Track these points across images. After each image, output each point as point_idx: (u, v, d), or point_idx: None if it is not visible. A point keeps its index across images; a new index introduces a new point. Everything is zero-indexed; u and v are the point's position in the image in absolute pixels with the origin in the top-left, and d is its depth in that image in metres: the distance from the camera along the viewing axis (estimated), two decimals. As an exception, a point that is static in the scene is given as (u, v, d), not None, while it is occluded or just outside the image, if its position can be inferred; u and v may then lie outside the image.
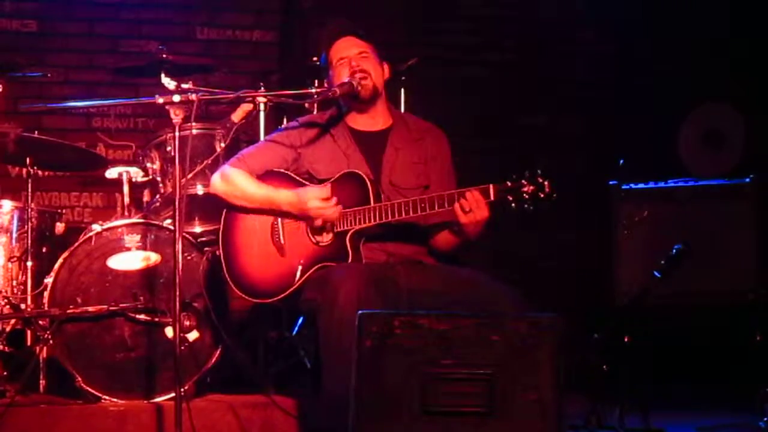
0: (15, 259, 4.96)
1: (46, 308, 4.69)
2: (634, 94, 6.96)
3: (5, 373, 4.74)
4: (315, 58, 4.94)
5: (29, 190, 4.96)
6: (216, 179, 4.48)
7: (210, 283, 4.67)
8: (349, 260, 4.22)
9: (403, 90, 5.71)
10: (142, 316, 4.71)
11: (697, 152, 6.41)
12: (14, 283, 4.95)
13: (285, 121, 5.15)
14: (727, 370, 5.66)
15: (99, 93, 6.46)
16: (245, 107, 5.19)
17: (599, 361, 4.99)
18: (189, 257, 4.74)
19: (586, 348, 5.02)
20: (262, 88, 5.28)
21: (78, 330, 4.69)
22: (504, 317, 3.61)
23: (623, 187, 5.95)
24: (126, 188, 5.19)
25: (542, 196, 3.99)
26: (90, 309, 4.68)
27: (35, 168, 5.02)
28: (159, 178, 5.18)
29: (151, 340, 4.71)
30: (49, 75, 5.58)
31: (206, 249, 4.78)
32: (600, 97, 7.07)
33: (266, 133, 5.28)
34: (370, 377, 3.49)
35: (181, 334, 4.36)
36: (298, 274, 4.27)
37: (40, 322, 4.73)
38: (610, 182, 5.95)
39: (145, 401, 4.63)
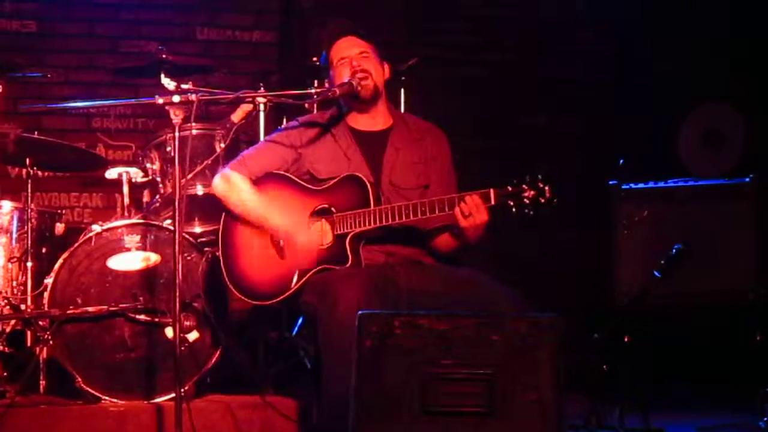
0: (15, 259, 4.96)
1: (46, 309, 4.69)
2: (634, 94, 6.96)
3: (5, 374, 4.74)
4: (315, 59, 4.94)
5: (29, 190, 4.96)
6: (218, 182, 4.47)
7: (210, 284, 4.67)
8: (349, 263, 4.21)
9: (403, 90, 5.71)
10: (142, 317, 4.71)
11: (697, 152, 6.41)
12: (14, 283, 4.95)
13: (285, 121, 5.15)
14: (727, 370, 5.65)
15: (99, 93, 6.46)
16: (245, 107, 5.19)
17: (599, 361, 4.99)
18: (189, 258, 4.74)
19: (586, 348, 5.02)
20: (262, 89, 5.28)
21: (78, 330, 4.69)
22: (504, 317, 3.61)
23: (623, 187, 5.95)
24: (126, 189, 5.18)
25: (543, 201, 3.99)
26: (90, 309, 4.68)
27: (35, 168, 5.02)
28: (159, 179, 5.18)
29: (151, 340, 4.71)
30: (48, 75, 5.59)
31: (206, 249, 4.78)
32: (600, 97, 7.08)
33: (266, 133, 5.28)
34: (370, 377, 3.49)
35: (181, 335, 4.36)
36: (295, 277, 4.26)
37: (40, 322, 4.73)
38: (610, 182, 5.95)
39: (145, 402, 4.63)
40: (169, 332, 4.65)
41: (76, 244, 4.76)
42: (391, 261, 4.27)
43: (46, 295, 4.71)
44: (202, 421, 4.37)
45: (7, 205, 5.02)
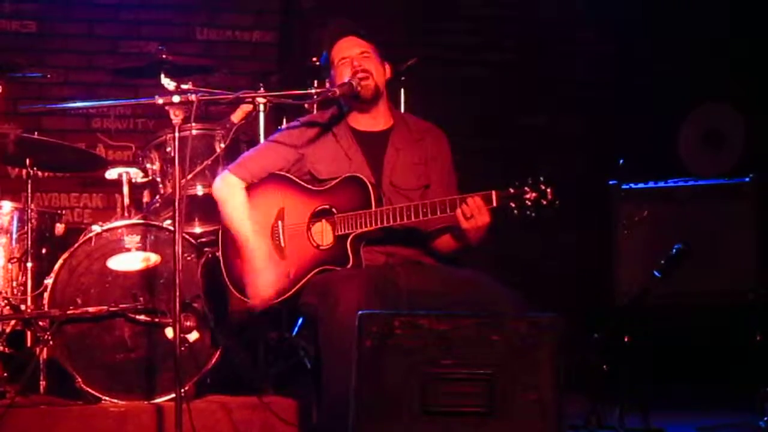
0: (15, 260, 4.97)
1: (46, 309, 4.69)
2: (634, 94, 6.96)
3: (5, 374, 4.74)
4: (315, 59, 4.94)
5: (29, 191, 4.96)
6: (216, 187, 4.48)
7: (210, 284, 4.67)
8: (350, 264, 4.21)
9: (403, 90, 5.70)
10: (142, 317, 4.71)
11: (697, 152, 6.42)
12: (14, 284, 4.95)
13: (285, 121, 5.15)
14: (727, 370, 5.66)
15: (98, 94, 6.46)
16: (245, 108, 5.18)
17: (599, 361, 4.99)
18: (189, 258, 4.74)
19: (586, 348, 5.02)
20: (262, 89, 5.28)
21: (78, 331, 4.69)
22: (504, 317, 3.61)
23: (623, 187, 5.95)
24: (126, 189, 5.18)
25: (545, 203, 3.98)
26: (90, 310, 4.68)
27: (35, 169, 5.02)
28: (159, 179, 5.18)
29: (151, 340, 4.71)
30: (48, 76, 5.58)
31: (206, 249, 4.77)
32: (600, 97, 7.08)
33: (266, 133, 5.29)
34: (370, 377, 3.49)
35: (181, 335, 4.36)
36: (292, 276, 4.27)
37: (40, 323, 4.73)
38: (610, 182, 5.95)
39: (146, 402, 4.63)
40: (169, 332, 4.65)
41: (76, 245, 4.76)
42: (391, 261, 4.26)
43: (46, 295, 4.71)
44: (202, 421, 4.37)
45: (7, 205, 5.02)
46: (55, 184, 6.47)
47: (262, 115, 5.45)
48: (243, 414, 4.57)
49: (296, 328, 5.24)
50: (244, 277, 4.29)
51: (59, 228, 5.11)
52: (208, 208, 4.74)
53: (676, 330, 5.90)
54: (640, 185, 5.96)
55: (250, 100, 4.48)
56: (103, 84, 6.49)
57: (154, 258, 4.79)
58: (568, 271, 6.80)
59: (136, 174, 5.23)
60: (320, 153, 4.41)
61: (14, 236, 5.01)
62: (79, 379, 4.63)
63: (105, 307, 4.68)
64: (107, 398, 4.63)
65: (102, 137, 6.64)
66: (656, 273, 5.02)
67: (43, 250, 5.01)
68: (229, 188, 4.42)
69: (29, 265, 4.86)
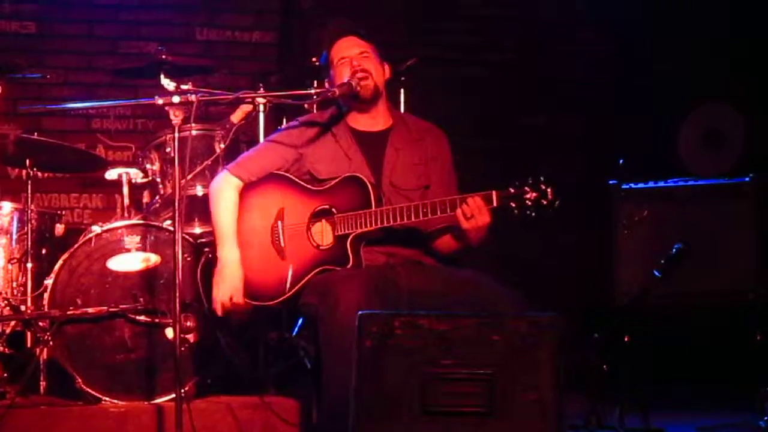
0: (15, 260, 4.96)
1: (46, 310, 4.69)
2: (634, 94, 6.96)
3: (5, 375, 4.74)
4: (315, 59, 4.94)
5: (29, 191, 4.96)
6: (214, 184, 4.50)
7: (210, 284, 4.66)
8: (350, 264, 4.21)
9: (403, 90, 5.70)
10: (142, 318, 4.71)
11: (697, 152, 6.41)
12: (14, 284, 4.95)
13: (284, 121, 5.15)
14: (727, 370, 5.65)
15: (98, 94, 6.47)
16: (244, 108, 5.18)
17: (599, 361, 4.99)
18: (189, 258, 4.74)
19: (586, 348, 5.02)
20: (262, 89, 5.28)
21: (78, 331, 4.69)
22: (504, 317, 3.61)
23: (623, 186, 5.95)
24: (126, 189, 5.18)
25: (545, 203, 3.98)
26: (90, 310, 4.67)
27: (35, 169, 5.02)
28: (158, 179, 5.18)
29: (152, 341, 4.71)
30: (48, 76, 5.58)
31: (206, 250, 4.77)
32: (600, 97, 7.08)
33: (266, 134, 5.28)
34: (370, 377, 3.49)
35: (182, 335, 4.35)
36: (290, 277, 4.27)
37: (40, 323, 4.73)
38: (610, 182, 5.95)
39: (146, 402, 4.63)
40: (169, 333, 4.65)
41: (76, 245, 4.76)
42: (391, 261, 4.26)
43: (46, 296, 4.71)
44: (203, 421, 4.36)
45: (7, 206, 5.02)
46: (55, 185, 6.47)
47: (261, 116, 5.45)
48: (243, 414, 4.57)
49: (296, 328, 5.24)
50: (213, 279, 4.33)
51: (59, 228, 5.11)
52: (207, 208, 4.73)
53: (676, 330, 5.90)
54: (640, 185, 5.96)
55: (249, 100, 4.49)
56: (103, 84, 6.49)
57: (154, 258, 4.79)
58: (568, 271, 6.80)
59: (135, 174, 5.23)
60: (320, 153, 4.41)
61: (14, 237, 5.01)
62: (79, 380, 4.63)
63: (105, 308, 4.68)
64: (107, 398, 4.63)
65: (102, 138, 6.64)
66: (656, 273, 5.02)
67: (43, 251, 5.01)
68: (222, 187, 4.44)
69: (29, 265, 4.86)
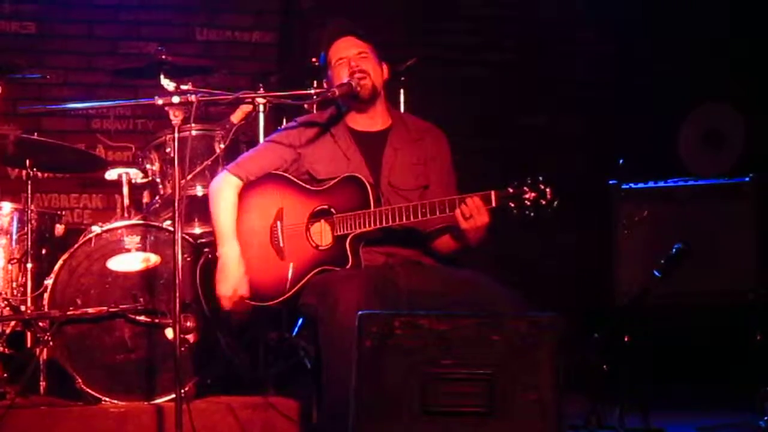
0: (15, 260, 4.97)
1: (46, 310, 4.69)
2: (634, 94, 6.96)
3: (5, 375, 4.74)
4: (314, 59, 4.94)
5: (29, 191, 4.96)
6: (213, 184, 4.50)
7: (210, 284, 4.67)
8: (349, 264, 4.21)
9: (402, 90, 5.70)
10: (142, 318, 4.71)
11: (697, 152, 6.41)
12: (14, 284, 4.95)
13: (284, 122, 5.15)
14: (727, 370, 5.65)
15: (98, 94, 6.47)
16: (244, 108, 5.19)
17: (599, 361, 4.99)
18: (189, 258, 4.74)
19: (586, 348, 5.02)
20: (261, 89, 5.28)
21: (78, 331, 4.69)
22: (504, 317, 3.60)
23: (623, 186, 5.95)
24: (125, 189, 5.19)
25: (544, 203, 3.98)
26: (90, 310, 4.67)
27: (35, 170, 5.02)
28: (158, 180, 5.18)
29: (152, 341, 4.71)
30: (48, 77, 5.58)
31: (206, 250, 4.77)
32: (600, 97, 7.08)
33: (266, 134, 5.28)
34: (370, 377, 3.49)
35: (182, 336, 4.35)
36: (289, 277, 4.27)
37: (40, 323, 4.73)
38: (610, 182, 5.95)
39: (146, 402, 4.63)
40: (169, 333, 4.64)
41: (76, 245, 4.76)
42: (390, 262, 4.26)
43: (46, 296, 4.71)
44: (203, 421, 4.37)
45: (7, 206, 5.02)
46: (55, 185, 6.47)
47: (261, 116, 5.45)
48: (243, 414, 4.57)
49: (296, 328, 5.24)
50: (215, 277, 4.33)
51: (59, 229, 5.11)
52: (207, 208, 4.73)
53: (676, 330, 5.90)
54: (640, 185, 5.96)
55: (249, 100, 4.49)
56: (103, 85, 6.49)
57: (153, 258, 4.79)
58: (567, 271, 6.80)
59: (135, 175, 5.23)
60: (318, 153, 4.41)
61: (14, 237, 5.01)
62: (79, 380, 4.63)
63: (105, 308, 4.68)
64: (107, 399, 4.63)
65: (102, 138, 6.64)
66: (656, 273, 5.02)
67: (43, 251, 5.01)
68: (221, 186, 4.44)
69: (29, 265, 4.86)
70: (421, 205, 4.13)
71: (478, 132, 6.91)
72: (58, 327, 4.64)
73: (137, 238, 4.79)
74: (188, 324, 4.66)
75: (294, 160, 4.43)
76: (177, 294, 3.99)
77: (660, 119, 6.70)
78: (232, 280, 4.30)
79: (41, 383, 4.78)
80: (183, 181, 4.32)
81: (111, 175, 5.25)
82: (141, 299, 4.71)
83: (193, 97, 4.06)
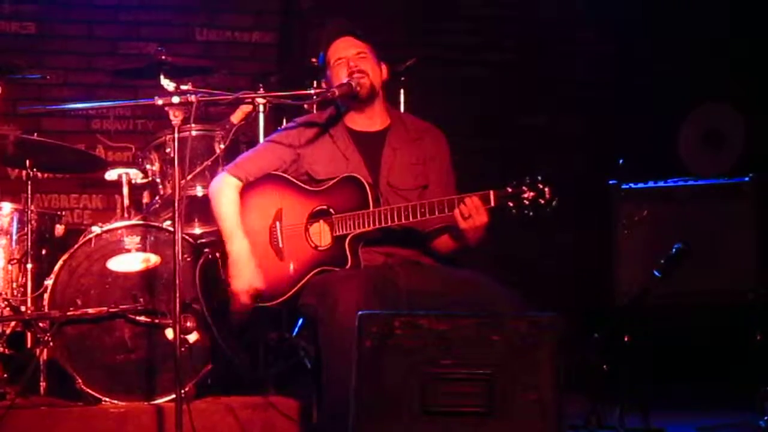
0: (15, 261, 4.96)
1: (46, 310, 4.69)
2: (634, 94, 6.96)
3: (5, 376, 4.74)
4: (314, 59, 4.94)
5: (29, 192, 4.96)
6: (211, 187, 4.51)
7: (210, 284, 4.67)
8: (348, 265, 4.21)
9: (402, 90, 5.70)
10: (142, 318, 4.71)
11: (697, 152, 6.41)
12: (14, 285, 4.95)
13: (284, 122, 5.15)
14: (727, 370, 5.65)
15: (98, 95, 6.47)
16: (244, 108, 5.19)
17: (599, 361, 4.99)
18: (189, 258, 4.74)
19: (586, 348, 5.02)
20: (261, 90, 5.28)
21: (78, 332, 4.69)
22: (504, 317, 3.60)
23: (623, 186, 5.94)
24: (125, 190, 5.19)
25: (543, 202, 3.98)
26: (90, 311, 4.67)
27: (35, 170, 5.01)
28: (158, 180, 5.18)
29: (152, 341, 4.71)
30: (48, 77, 5.57)
31: (206, 250, 4.77)
32: (600, 97, 7.08)
33: (266, 134, 5.29)
34: (370, 377, 3.49)
35: (182, 336, 4.36)
36: (289, 277, 4.27)
37: (40, 324, 4.73)
38: (610, 182, 5.95)
39: (146, 403, 4.63)
40: (169, 333, 4.65)
41: (76, 246, 4.76)
42: (390, 262, 4.26)
43: (46, 296, 4.71)
44: (203, 422, 4.37)
45: (7, 206, 5.02)
46: (55, 186, 6.47)
47: (261, 116, 5.45)
48: (243, 414, 4.57)
49: (296, 329, 5.24)
50: (228, 275, 4.32)
51: (59, 229, 5.11)
52: (207, 208, 4.72)
53: (676, 330, 5.89)
54: (640, 185, 5.96)
55: (249, 100, 4.48)
56: (103, 85, 6.49)
57: (154, 259, 4.79)
58: (567, 271, 6.80)
59: (135, 175, 5.23)
60: (317, 153, 4.41)
61: (14, 237, 5.00)
62: (80, 380, 4.63)
63: (105, 308, 4.68)
64: (107, 399, 4.63)
65: (101, 138, 6.64)
66: (656, 273, 5.02)
67: (43, 252, 5.01)
68: (222, 187, 4.44)
69: (29, 266, 4.86)
70: (420, 205, 4.13)
71: (478, 132, 6.91)
72: (59, 327, 4.64)
73: (137, 239, 4.79)
74: (188, 324, 4.67)
75: (293, 160, 4.43)
76: (177, 294, 3.99)
77: (660, 119, 6.70)
78: (246, 274, 4.29)
79: (41, 384, 4.78)
80: (183, 182, 4.32)
81: (111, 175, 5.25)
82: (141, 299, 4.71)
83: (192, 98, 4.06)
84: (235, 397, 4.72)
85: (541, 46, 7.18)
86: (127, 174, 5.20)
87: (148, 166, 5.21)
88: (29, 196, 4.95)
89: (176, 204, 4.06)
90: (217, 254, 4.47)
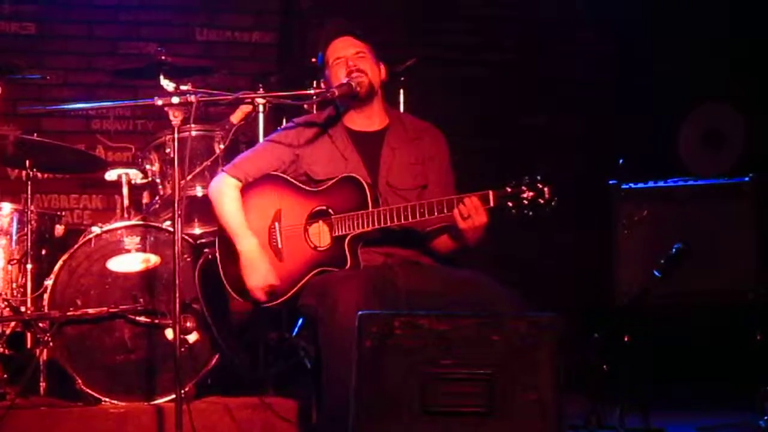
0: (15, 261, 4.96)
1: (46, 311, 4.69)
2: (634, 94, 6.96)
3: (5, 376, 4.74)
4: (314, 59, 4.94)
5: (29, 192, 4.96)
6: (211, 187, 4.51)
7: (210, 285, 4.67)
8: (348, 265, 4.21)
9: (402, 90, 5.70)
10: (142, 318, 4.71)
11: (697, 152, 6.41)
12: (14, 285, 4.95)
13: (284, 122, 5.15)
14: (727, 370, 5.65)
15: (98, 95, 6.46)
16: (244, 108, 5.19)
17: (599, 361, 4.99)
18: (188, 259, 4.74)
19: (586, 348, 5.02)
20: (261, 90, 5.28)
21: (78, 332, 4.69)
22: (504, 317, 3.60)
23: (623, 186, 5.94)
24: (125, 190, 5.19)
25: (542, 202, 3.97)
26: (90, 311, 4.68)
27: (35, 170, 5.01)
28: (158, 180, 5.19)
29: (151, 341, 4.71)
30: (48, 77, 5.57)
31: (205, 251, 4.77)
32: (600, 97, 7.08)
33: (265, 134, 5.28)
34: (370, 378, 3.49)
35: (181, 336, 4.36)
36: (291, 271, 4.28)
37: (40, 324, 4.73)
38: (610, 182, 5.95)
39: (146, 403, 4.63)
40: (169, 333, 4.65)
41: (76, 246, 4.76)
42: (389, 262, 4.26)
43: (45, 296, 4.71)
44: (203, 422, 4.37)
45: (7, 207, 5.02)
46: (55, 186, 6.47)
47: (261, 116, 5.44)
48: (243, 415, 4.57)
49: (296, 329, 5.24)
50: (242, 273, 4.30)
51: (59, 229, 5.11)
52: (207, 209, 4.73)
53: (676, 330, 5.89)
54: (640, 185, 5.96)
55: (249, 100, 4.48)
56: (103, 85, 6.49)
57: (153, 259, 4.79)
58: (567, 271, 6.80)
59: (135, 175, 5.23)
60: (316, 154, 4.41)
61: (14, 238, 5.00)
62: (79, 381, 4.63)
63: (105, 309, 4.68)
64: (107, 399, 4.63)
65: (101, 138, 6.64)
66: (656, 273, 5.02)
67: (43, 252, 5.01)
68: (222, 187, 4.44)
69: (29, 266, 4.86)
70: (420, 206, 4.12)
71: (478, 132, 6.91)
72: (58, 328, 4.65)
73: (137, 239, 4.79)
74: (188, 324, 4.67)
75: (292, 161, 4.43)
76: (177, 294, 3.99)
77: (660, 119, 6.70)
78: (261, 271, 4.29)
79: (41, 384, 4.78)
80: (183, 182, 4.32)
81: (111, 175, 5.26)
82: (141, 300, 4.72)
83: (192, 98, 4.06)
84: (234, 398, 4.72)
85: (541, 46, 7.18)
86: (126, 174, 5.20)
87: (147, 167, 5.21)
88: (29, 196, 4.95)
89: (176, 204, 4.06)
90: (217, 254, 4.47)
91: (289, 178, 4.41)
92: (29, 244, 4.87)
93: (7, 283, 4.95)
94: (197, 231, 5.07)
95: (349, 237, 4.22)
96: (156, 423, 4.46)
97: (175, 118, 4.10)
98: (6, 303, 4.86)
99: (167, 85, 4.36)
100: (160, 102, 4.07)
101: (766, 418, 4.81)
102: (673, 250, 5.02)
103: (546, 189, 3.96)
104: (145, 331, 4.72)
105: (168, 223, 4.93)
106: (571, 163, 6.77)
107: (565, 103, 7.10)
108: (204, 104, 4.15)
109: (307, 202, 4.34)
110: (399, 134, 4.45)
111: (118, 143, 6.64)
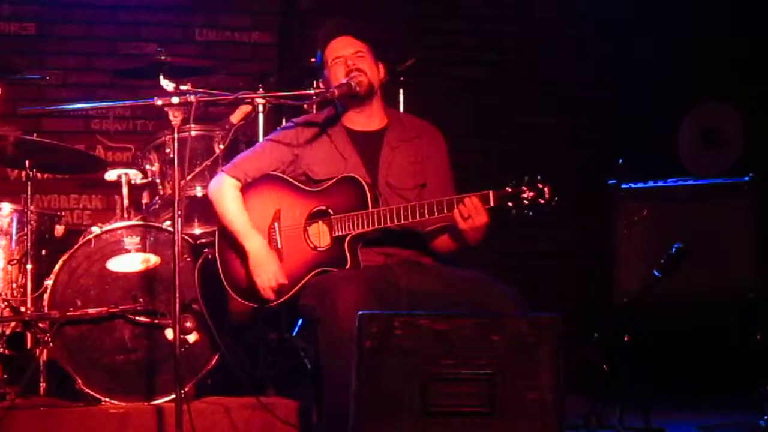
0: (15, 261, 4.96)
1: (45, 311, 4.69)
2: (634, 94, 6.96)
3: (5, 376, 4.75)
4: (313, 59, 4.94)
5: (28, 192, 4.95)
6: (211, 187, 4.51)
7: (209, 285, 4.67)
8: (348, 265, 4.20)
9: (402, 90, 5.70)
10: (142, 318, 4.71)
11: (697, 152, 6.41)
12: (14, 285, 4.95)
13: (284, 122, 5.15)
14: (727, 370, 5.65)
15: (98, 95, 6.45)
16: (244, 109, 5.19)
17: (599, 361, 4.99)
18: (188, 259, 4.74)
19: (586, 348, 5.02)
20: (261, 90, 5.28)
21: (78, 332, 4.69)
22: (504, 317, 3.61)
23: (623, 186, 5.94)
24: (125, 190, 5.19)
25: (542, 201, 3.97)
26: (90, 311, 4.67)
27: (34, 171, 5.01)
28: (158, 180, 5.18)
29: (151, 342, 4.71)
30: (47, 77, 5.58)
31: (205, 251, 4.77)
32: (600, 97, 7.08)
33: (265, 134, 5.28)
34: (370, 378, 3.49)
35: (181, 336, 4.36)
36: (291, 272, 4.28)
37: (40, 324, 4.73)
38: (610, 182, 5.95)
39: (146, 403, 4.63)
40: (169, 334, 4.65)
41: (76, 246, 4.76)
42: (389, 262, 4.26)
43: (45, 297, 4.71)
44: (203, 422, 4.37)
45: (7, 207, 5.02)
46: (55, 186, 6.46)
47: (261, 116, 5.44)
48: (243, 415, 4.57)
49: (296, 329, 5.24)
50: (251, 272, 4.30)
51: (59, 229, 5.11)
52: (207, 209, 4.73)
53: (676, 330, 5.89)
54: (640, 185, 5.95)
55: (249, 100, 4.48)
56: (103, 85, 6.49)
57: (153, 259, 4.79)
58: (567, 271, 6.80)
59: (135, 175, 5.23)
60: (316, 154, 4.40)
61: (14, 238, 5.00)
62: (80, 381, 4.63)
63: (105, 309, 4.68)
64: (107, 399, 4.63)
65: (101, 139, 6.63)
66: (656, 272, 5.02)
67: (43, 252, 5.00)
68: (222, 187, 4.44)
69: (29, 266, 4.86)
70: (420, 206, 4.12)
71: (478, 132, 6.91)
72: (58, 328, 4.64)
73: (137, 239, 4.79)
74: (188, 324, 4.67)
75: (291, 161, 4.43)
76: (177, 294, 3.99)
77: (660, 119, 6.69)
78: (269, 269, 4.29)
79: (41, 384, 4.77)
80: (183, 182, 4.32)
81: (110, 175, 5.26)
82: (141, 300, 4.71)
83: (192, 98, 4.06)
84: (234, 398, 4.71)
85: (541, 46, 7.18)
86: (126, 174, 5.20)
87: (147, 167, 5.21)
88: (29, 196, 4.95)
89: (176, 204, 4.06)
90: (216, 255, 4.47)
91: (288, 178, 4.41)
92: (29, 244, 4.88)
93: (7, 284, 4.94)
94: (197, 231, 5.07)
95: (349, 237, 4.22)
96: (156, 423, 4.46)
97: (175, 118, 4.10)
98: (6, 303, 4.86)
99: (167, 85, 4.36)
100: (159, 102, 4.07)
101: (766, 418, 4.81)
102: (673, 249, 5.02)
103: (546, 189, 3.96)
104: (145, 331, 4.72)
105: (168, 223, 4.93)
106: (571, 163, 6.76)
107: (565, 103, 7.10)
108: (204, 104, 4.15)
109: (307, 202, 4.34)
110: (398, 133, 4.45)
111: (117, 143, 6.64)
